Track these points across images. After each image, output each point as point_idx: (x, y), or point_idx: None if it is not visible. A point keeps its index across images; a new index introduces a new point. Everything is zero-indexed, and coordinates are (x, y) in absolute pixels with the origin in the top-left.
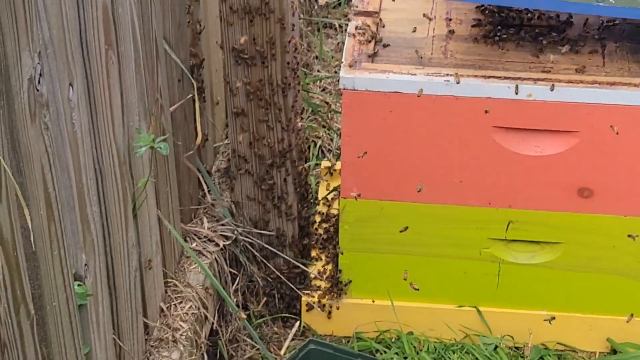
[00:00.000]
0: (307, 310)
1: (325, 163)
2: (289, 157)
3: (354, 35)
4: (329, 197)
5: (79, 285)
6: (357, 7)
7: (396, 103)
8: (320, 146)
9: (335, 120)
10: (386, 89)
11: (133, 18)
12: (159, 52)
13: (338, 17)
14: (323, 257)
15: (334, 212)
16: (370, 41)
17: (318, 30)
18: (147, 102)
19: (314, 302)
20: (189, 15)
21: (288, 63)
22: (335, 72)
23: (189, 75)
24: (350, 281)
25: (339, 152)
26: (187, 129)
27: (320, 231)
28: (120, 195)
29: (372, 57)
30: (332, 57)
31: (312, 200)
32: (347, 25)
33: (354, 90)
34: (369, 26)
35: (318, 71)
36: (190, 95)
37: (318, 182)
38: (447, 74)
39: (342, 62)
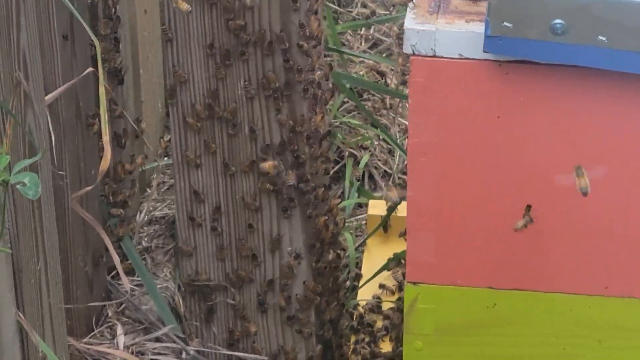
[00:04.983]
0: None
1: (376, 206)
2: (296, 192)
3: None
4: (385, 279)
5: None
6: None
7: (526, 85)
8: (367, 165)
9: (399, 113)
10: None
11: None
12: None
13: None
14: None
15: (392, 312)
16: None
17: None
18: None
19: None
20: None
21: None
22: (393, 6)
23: (85, 25)
24: None
25: (405, 177)
26: (83, 141)
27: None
28: None
29: None
30: None
31: (346, 288)
32: None
33: (432, 57)
34: None
35: (364, 5)
36: (90, 69)
37: (361, 247)
38: None
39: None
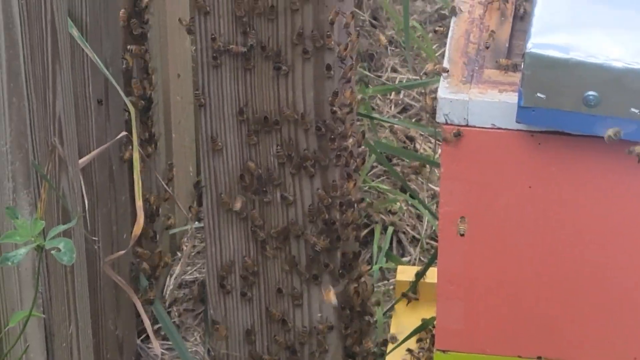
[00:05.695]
0: None
1: (404, 271)
2: (328, 260)
3: (469, 7)
4: (411, 343)
5: None
6: None
7: (558, 156)
8: (395, 230)
9: (428, 178)
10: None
11: None
12: (59, 42)
13: None
14: None
15: None
16: (504, 20)
17: None
18: (31, 150)
19: None
20: None
21: (329, 66)
22: (427, 75)
23: (119, 90)
24: None
25: (433, 242)
26: (116, 206)
27: None
28: None
29: (507, 56)
30: (421, 45)
31: (374, 354)
32: None
33: (466, 126)
34: None
35: (394, 70)
36: (123, 133)
37: (389, 313)
38: None
39: (443, 66)
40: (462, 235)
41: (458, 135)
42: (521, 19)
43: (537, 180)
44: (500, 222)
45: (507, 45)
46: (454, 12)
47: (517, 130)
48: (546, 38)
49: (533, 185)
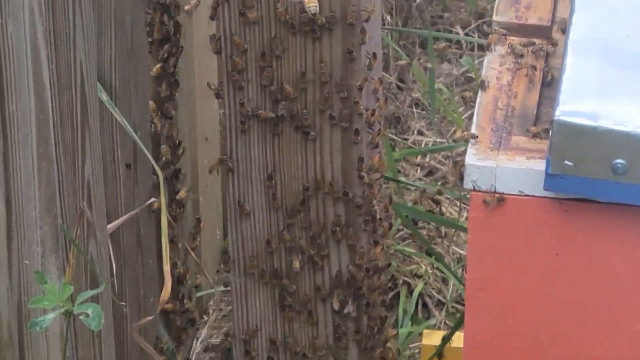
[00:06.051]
0: None
1: (430, 335)
2: (354, 324)
3: (497, 73)
4: None
5: None
6: (505, 16)
7: (585, 223)
8: (421, 294)
9: (454, 241)
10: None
11: (36, 42)
12: (88, 107)
13: (463, 21)
14: None
15: None
16: (532, 86)
17: (421, 45)
18: (60, 215)
19: None
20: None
21: (357, 131)
22: (454, 141)
23: (148, 155)
24: None
25: (459, 306)
26: (143, 270)
27: None
28: None
29: (535, 123)
30: (450, 108)
31: None
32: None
33: (493, 193)
34: (529, 53)
35: (420, 133)
36: (152, 200)
37: None
38: None
39: (471, 132)
40: None
41: (501, 200)
42: (549, 85)
43: (565, 247)
44: (527, 289)
45: (535, 112)
46: (482, 86)
47: (545, 197)
48: (574, 105)
49: (560, 253)
